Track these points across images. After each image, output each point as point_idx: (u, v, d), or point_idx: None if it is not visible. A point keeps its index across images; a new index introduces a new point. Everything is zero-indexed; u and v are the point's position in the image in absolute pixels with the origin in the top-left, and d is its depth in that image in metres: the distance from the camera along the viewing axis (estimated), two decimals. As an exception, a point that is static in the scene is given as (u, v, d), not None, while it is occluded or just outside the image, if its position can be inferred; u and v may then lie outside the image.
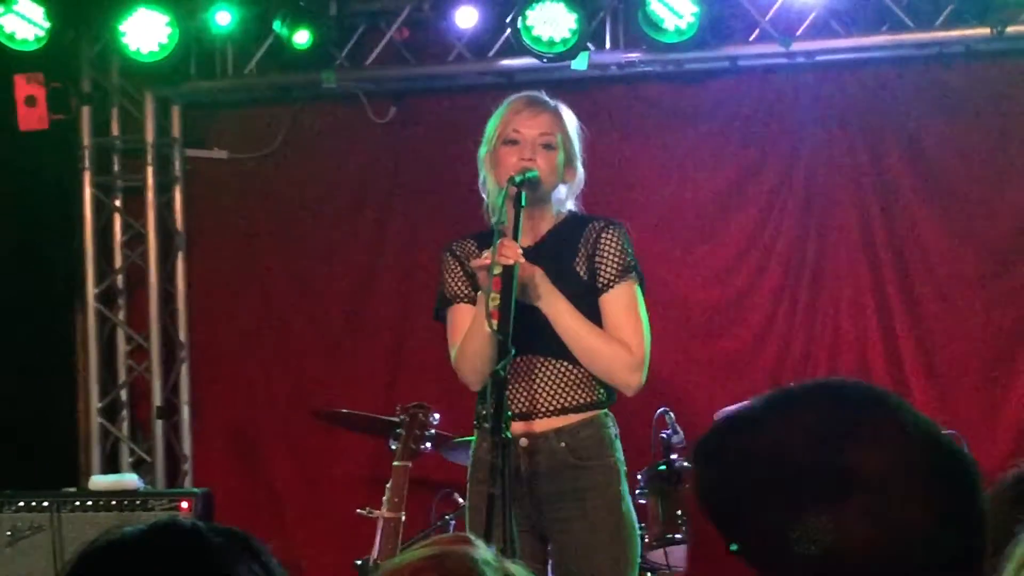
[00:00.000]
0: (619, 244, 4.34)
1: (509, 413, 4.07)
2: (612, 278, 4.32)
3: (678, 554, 5.64)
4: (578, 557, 4.25)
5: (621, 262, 4.32)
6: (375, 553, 4.96)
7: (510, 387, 4.24)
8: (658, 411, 5.74)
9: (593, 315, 4.30)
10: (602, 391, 4.32)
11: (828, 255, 6.81)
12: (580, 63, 6.59)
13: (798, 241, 6.84)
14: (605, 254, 4.33)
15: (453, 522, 5.85)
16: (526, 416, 4.27)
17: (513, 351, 4.00)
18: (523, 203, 4.19)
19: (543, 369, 4.29)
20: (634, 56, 6.77)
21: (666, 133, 7.01)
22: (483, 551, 1.80)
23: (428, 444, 5.11)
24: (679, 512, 5.63)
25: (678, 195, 6.95)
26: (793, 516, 1.35)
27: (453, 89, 7.14)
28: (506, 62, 6.87)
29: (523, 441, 4.25)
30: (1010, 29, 6.42)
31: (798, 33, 6.64)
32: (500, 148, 4.33)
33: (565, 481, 4.24)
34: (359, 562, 5.15)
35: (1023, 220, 6.64)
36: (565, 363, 4.28)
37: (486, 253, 4.15)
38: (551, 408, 4.27)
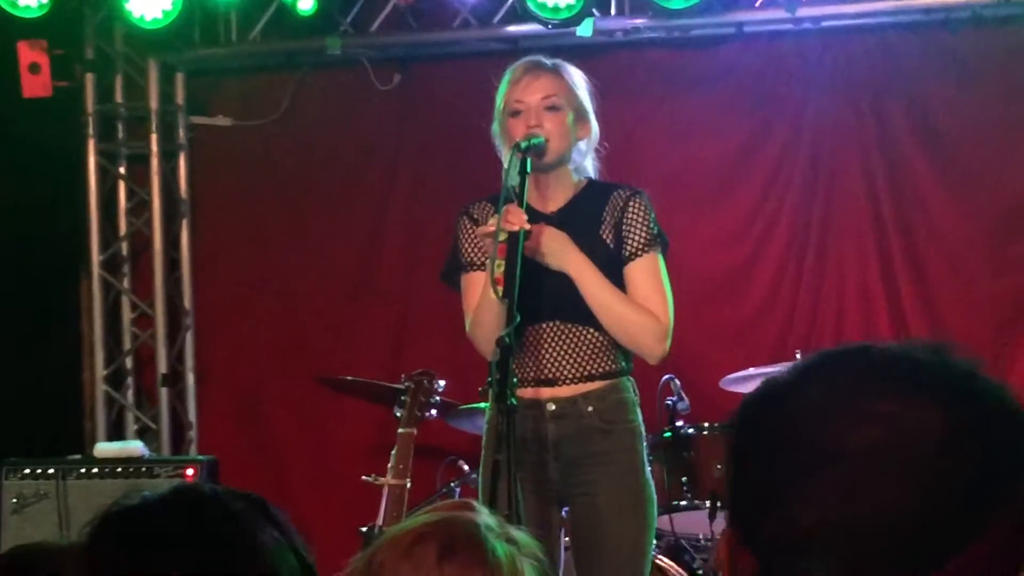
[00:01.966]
0: (646, 214, 4.34)
1: (516, 379, 4.06)
2: (639, 248, 4.31)
3: (683, 521, 5.65)
4: (603, 521, 4.24)
5: (648, 232, 4.32)
6: (380, 520, 4.96)
7: (535, 353, 4.26)
8: (663, 378, 5.74)
9: (618, 284, 4.30)
10: (623, 358, 4.33)
11: (834, 221, 6.79)
12: (585, 29, 6.56)
13: (804, 207, 6.82)
14: (633, 224, 4.32)
15: (458, 489, 5.85)
16: (552, 382, 4.27)
17: (518, 317, 4.00)
18: (528, 169, 4.18)
19: (568, 335, 4.28)
20: (639, 22, 6.74)
21: (672, 99, 6.99)
22: (485, 516, 1.81)
23: (433, 411, 5.11)
24: (684, 479, 5.64)
25: (683, 162, 6.93)
26: (776, 493, 1.28)
27: (457, 56, 7.10)
28: (511, 28, 6.84)
29: (551, 406, 4.26)
30: (1018, -6, 6.39)
31: (804, -2, 6.62)
32: (508, 121, 4.32)
33: (592, 444, 4.25)
34: (364, 529, 5.15)
35: (1030, 186, 6.63)
36: (591, 329, 4.28)
37: (492, 220, 4.16)
38: (578, 374, 4.27)
